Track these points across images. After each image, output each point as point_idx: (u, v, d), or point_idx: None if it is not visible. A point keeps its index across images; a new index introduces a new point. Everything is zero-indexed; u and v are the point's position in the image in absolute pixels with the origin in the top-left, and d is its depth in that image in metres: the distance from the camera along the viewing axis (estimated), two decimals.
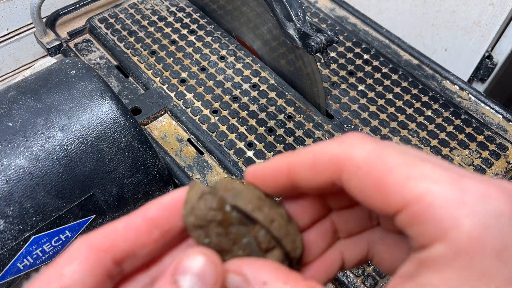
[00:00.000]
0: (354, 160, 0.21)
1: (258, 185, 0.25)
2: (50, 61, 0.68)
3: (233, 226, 0.24)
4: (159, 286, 0.21)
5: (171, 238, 0.24)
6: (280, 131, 0.62)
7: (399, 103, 0.67)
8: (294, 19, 0.57)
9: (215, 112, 0.64)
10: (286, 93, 0.66)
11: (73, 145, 0.46)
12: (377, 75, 0.70)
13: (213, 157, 0.60)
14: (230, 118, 0.63)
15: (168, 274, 0.21)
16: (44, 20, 0.71)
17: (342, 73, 0.70)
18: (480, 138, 0.64)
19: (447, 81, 0.70)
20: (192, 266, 0.21)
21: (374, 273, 0.52)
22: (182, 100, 0.64)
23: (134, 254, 0.24)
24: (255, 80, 0.67)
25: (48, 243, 0.46)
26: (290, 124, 0.63)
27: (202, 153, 0.60)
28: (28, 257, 0.45)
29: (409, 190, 0.19)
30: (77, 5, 0.75)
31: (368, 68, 0.71)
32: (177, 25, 0.74)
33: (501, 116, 0.66)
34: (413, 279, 0.19)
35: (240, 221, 0.24)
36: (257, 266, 0.21)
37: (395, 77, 0.70)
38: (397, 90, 0.68)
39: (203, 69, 0.68)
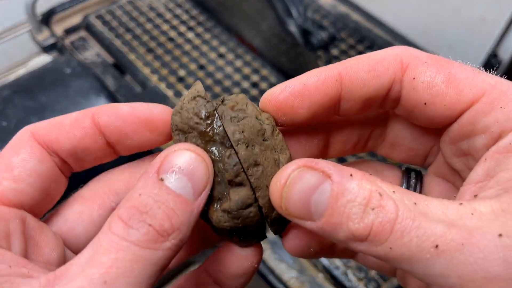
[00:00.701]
0: (420, 58, 0.21)
1: (278, 113, 0.22)
2: (45, 59, 0.67)
3: (214, 143, 0.21)
4: (141, 186, 0.18)
5: (125, 151, 0.22)
6: None
7: None
8: (294, 16, 0.55)
9: None
10: None
11: None
12: None
13: None
14: None
15: (151, 172, 0.19)
16: (40, 17, 0.69)
17: None
18: None
19: None
20: (180, 163, 0.19)
21: (376, 277, 0.51)
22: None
23: (78, 157, 0.22)
24: (255, 78, 0.66)
25: None
26: None
27: None
28: None
29: (483, 81, 0.20)
30: (73, 2, 0.73)
31: None
32: (175, 22, 0.72)
33: None
34: (497, 176, 0.18)
35: (222, 142, 0.21)
36: (333, 163, 0.19)
37: None
38: None
39: (201, 67, 0.67)
